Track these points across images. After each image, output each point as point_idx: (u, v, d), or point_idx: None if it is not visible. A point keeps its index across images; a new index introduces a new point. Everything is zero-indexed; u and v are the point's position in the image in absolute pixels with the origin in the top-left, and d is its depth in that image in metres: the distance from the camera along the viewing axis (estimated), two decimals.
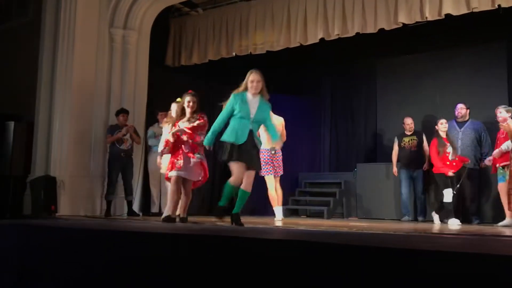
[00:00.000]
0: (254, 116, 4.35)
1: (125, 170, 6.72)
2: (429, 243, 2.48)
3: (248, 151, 4.30)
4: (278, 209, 6.18)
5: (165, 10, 7.91)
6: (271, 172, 6.06)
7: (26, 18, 7.92)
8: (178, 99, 5.23)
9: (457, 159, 6.21)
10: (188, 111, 5.03)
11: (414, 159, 7.14)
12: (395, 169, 7.29)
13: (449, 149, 6.20)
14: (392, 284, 1.84)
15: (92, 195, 6.96)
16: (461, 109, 6.81)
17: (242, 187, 4.32)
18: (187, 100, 5.04)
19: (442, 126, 6.32)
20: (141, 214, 7.05)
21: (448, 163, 6.17)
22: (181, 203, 5.07)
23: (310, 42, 6.97)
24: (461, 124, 6.79)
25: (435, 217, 6.21)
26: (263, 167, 5.78)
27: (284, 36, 7.16)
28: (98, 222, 4.79)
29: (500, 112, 5.66)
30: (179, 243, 2.75)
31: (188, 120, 4.99)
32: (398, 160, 7.29)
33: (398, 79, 8.52)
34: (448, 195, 6.03)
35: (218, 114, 4.51)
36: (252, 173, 4.38)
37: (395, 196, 7.57)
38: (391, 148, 7.54)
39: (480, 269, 1.70)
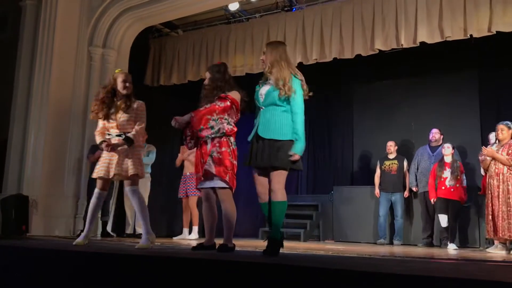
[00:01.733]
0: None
1: None
2: (401, 267, 2.51)
3: None
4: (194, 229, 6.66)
5: (145, 30, 7.94)
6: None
7: (3, 34, 7.84)
8: None
9: (457, 185, 6.25)
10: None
11: (393, 183, 7.23)
12: (377, 191, 7.35)
13: (446, 174, 6.29)
14: None
15: (65, 215, 6.82)
16: (435, 134, 6.98)
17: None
18: None
19: (444, 150, 6.45)
20: (114, 235, 6.94)
21: (443, 187, 6.28)
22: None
23: None
24: (434, 149, 6.94)
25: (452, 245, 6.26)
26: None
27: None
28: (70, 244, 4.69)
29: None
30: (156, 266, 2.71)
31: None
32: (379, 183, 7.40)
33: (374, 104, 8.69)
34: (443, 220, 6.27)
35: None
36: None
37: (372, 219, 7.63)
38: (367, 172, 7.62)
39: None
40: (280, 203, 3.25)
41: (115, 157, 3.91)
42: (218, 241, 3.71)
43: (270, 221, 3.33)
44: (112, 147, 3.89)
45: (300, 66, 7.04)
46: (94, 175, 4.00)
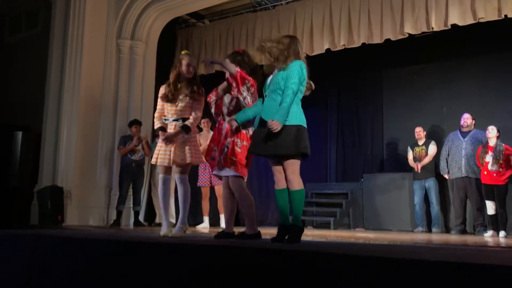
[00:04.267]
0: None
1: (135, 181, 6.78)
2: (434, 254, 2.47)
3: None
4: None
5: (172, 21, 7.99)
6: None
7: (35, 30, 8.03)
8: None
9: (500, 170, 5.98)
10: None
11: (425, 169, 7.10)
12: (416, 165, 7.16)
13: (488, 159, 6.06)
14: None
15: (98, 205, 6.98)
16: (467, 119, 6.79)
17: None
18: None
19: (488, 133, 6.17)
20: (146, 224, 7.07)
21: (485, 172, 6.08)
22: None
23: (316, 52, 7.00)
24: (465, 134, 6.76)
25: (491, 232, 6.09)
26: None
27: None
28: (106, 232, 4.80)
29: None
30: (191, 254, 2.75)
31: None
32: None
33: (404, 90, 8.52)
34: (488, 206, 6.08)
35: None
36: None
37: (403, 206, 7.52)
38: (397, 158, 7.50)
39: (479, 280, 1.68)
40: (297, 192, 3.23)
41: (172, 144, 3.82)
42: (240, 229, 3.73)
43: (283, 209, 3.31)
44: (169, 140, 3.77)
45: (328, 53, 6.96)
46: (155, 162, 3.92)
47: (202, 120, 6.66)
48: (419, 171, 7.10)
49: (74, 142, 6.84)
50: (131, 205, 6.87)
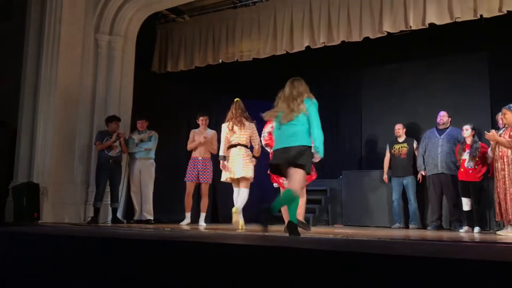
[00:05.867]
0: None
1: (113, 177, 6.70)
2: (411, 249, 2.51)
3: None
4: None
5: (151, 16, 7.90)
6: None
7: (10, 23, 7.85)
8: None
9: (476, 167, 6.08)
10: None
11: (404, 167, 7.20)
12: (385, 176, 7.35)
13: (465, 156, 6.16)
14: None
15: (76, 202, 6.88)
16: (443, 117, 6.91)
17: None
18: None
19: (463, 133, 6.28)
20: (125, 221, 7.00)
21: (462, 169, 6.18)
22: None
23: (296, 50, 7.03)
24: (441, 131, 6.88)
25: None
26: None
27: (270, 44, 7.20)
28: (83, 230, 4.74)
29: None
30: (170, 250, 2.73)
31: None
32: (389, 167, 7.36)
33: (383, 88, 8.62)
34: (464, 203, 6.17)
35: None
36: None
37: (381, 203, 7.62)
38: (376, 156, 7.60)
39: (449, 274, 1.72)
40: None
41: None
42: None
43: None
44: None
45: (308, 50, 6.99)
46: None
47: (201, 118, 6.65)
48: (386, 181, 7.26)
49: (50, 138, 6.73)
50: (109, 202, 6.79)
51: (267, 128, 5.32)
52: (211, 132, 6.69)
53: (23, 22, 7.22)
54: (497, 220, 5.65)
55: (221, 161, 5.73)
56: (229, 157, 5.65)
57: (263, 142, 5.42)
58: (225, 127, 5.74)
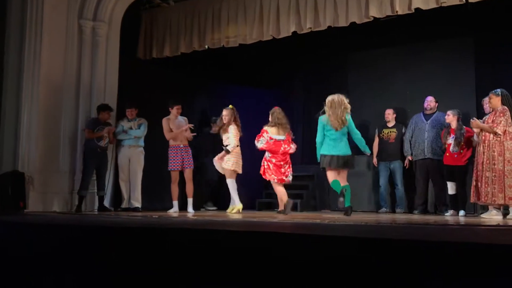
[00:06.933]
0: None
1: (100, 165, 6.67)
2: (398, 232, 2.54)
3: None
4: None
5: (136, 1, 7.76)
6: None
7: None
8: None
9: (461, 151, 6.15)
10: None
11: (392, 151, 7.24)
12: (375, 160, 7.38)
13: (450, 141, 6.23)
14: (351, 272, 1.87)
15: (62, 190, 6.82)
16: (430, 102, 6.95)
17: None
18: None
19: (447, 118, 6.36)
20: (112, 209, 6.97)
21: (447, 154, 6.25)
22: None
23: (282, 35, 6.98)
24: (428, 116, 6.93)
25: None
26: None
27: (256, 29, 7.14)
28: (69, 218, 4.72)
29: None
30: (162, 238, 2.73)
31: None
32: (378, 152, 7.40)
33: (369, 73, 8.62)
34: (449, 187, 6.27)
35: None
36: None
37: (369, 188, 7.67)
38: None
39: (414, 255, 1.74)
40: None
41: None
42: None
43: None
44: None
45: (294, 35, 6.95)
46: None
47: (176, 107, 6.69)
48: (375, 165, 7.31)
49: (35, 126, 6.63)
50: (95, 191, 6.75)
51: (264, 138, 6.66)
52: (185, 119, 6.77)
53: (5, 6, 7.05)
54: (471, 201, 5.73)
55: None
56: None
57: (259, 146, 6.58)
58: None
